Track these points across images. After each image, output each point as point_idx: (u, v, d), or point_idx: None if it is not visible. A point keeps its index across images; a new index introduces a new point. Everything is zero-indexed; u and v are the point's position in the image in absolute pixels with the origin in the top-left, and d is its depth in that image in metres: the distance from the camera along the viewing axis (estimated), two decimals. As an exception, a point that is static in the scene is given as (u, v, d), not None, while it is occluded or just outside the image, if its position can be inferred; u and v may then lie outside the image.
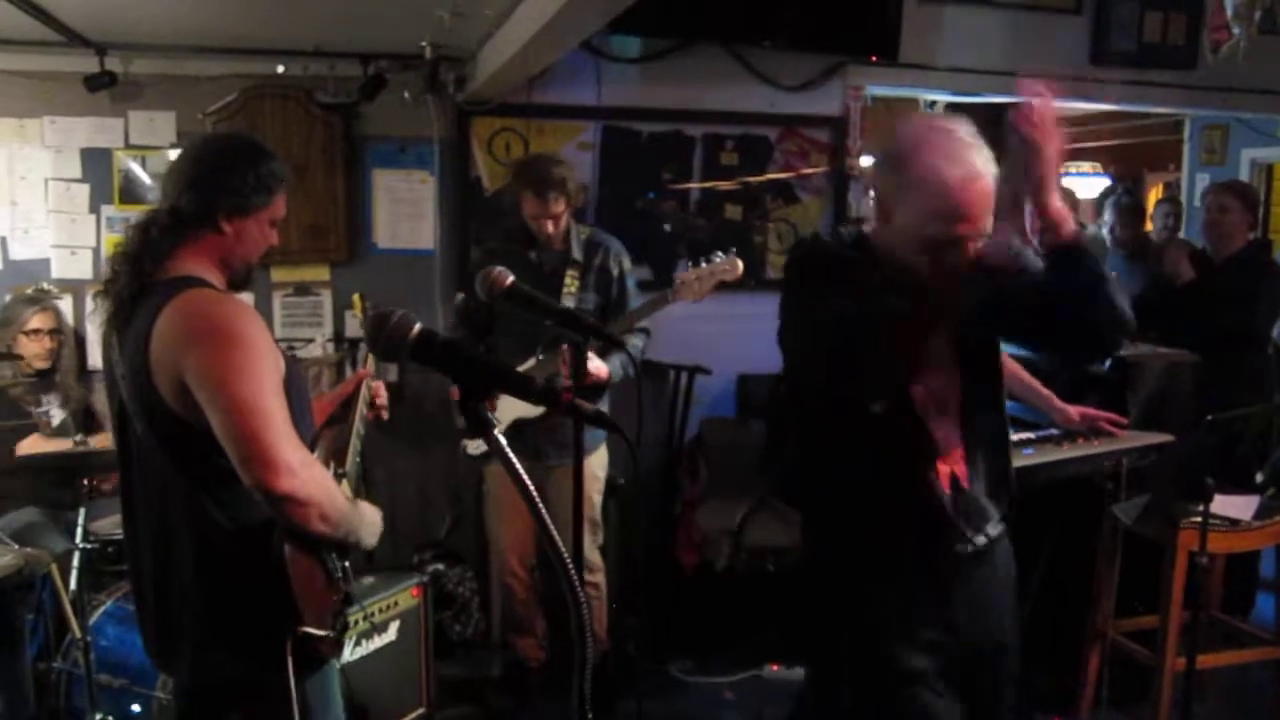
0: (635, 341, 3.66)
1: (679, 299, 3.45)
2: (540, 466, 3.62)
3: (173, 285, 1.89)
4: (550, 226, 3.60)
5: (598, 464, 3.77)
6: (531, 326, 3.55)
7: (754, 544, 4.04)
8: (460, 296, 3.90)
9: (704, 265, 3.43)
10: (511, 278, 1.96)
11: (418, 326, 1.27)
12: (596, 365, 3.42)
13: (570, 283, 3.64)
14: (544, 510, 1.19)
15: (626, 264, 3.78)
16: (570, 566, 1.17)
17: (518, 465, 1.21)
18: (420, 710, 3.51)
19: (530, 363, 3.57)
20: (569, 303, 3.58)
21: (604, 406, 3.67)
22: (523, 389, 1.24)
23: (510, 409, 3.46)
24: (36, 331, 3.83)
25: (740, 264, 3.45)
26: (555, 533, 1.18)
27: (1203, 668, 3.26)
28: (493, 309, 3.71)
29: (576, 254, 3.68)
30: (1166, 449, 3.26)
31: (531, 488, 1.19)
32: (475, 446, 3.76)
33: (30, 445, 3.67)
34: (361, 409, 2.42)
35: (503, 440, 1.21)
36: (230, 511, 1.88)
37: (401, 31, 3.98)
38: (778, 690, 3.91)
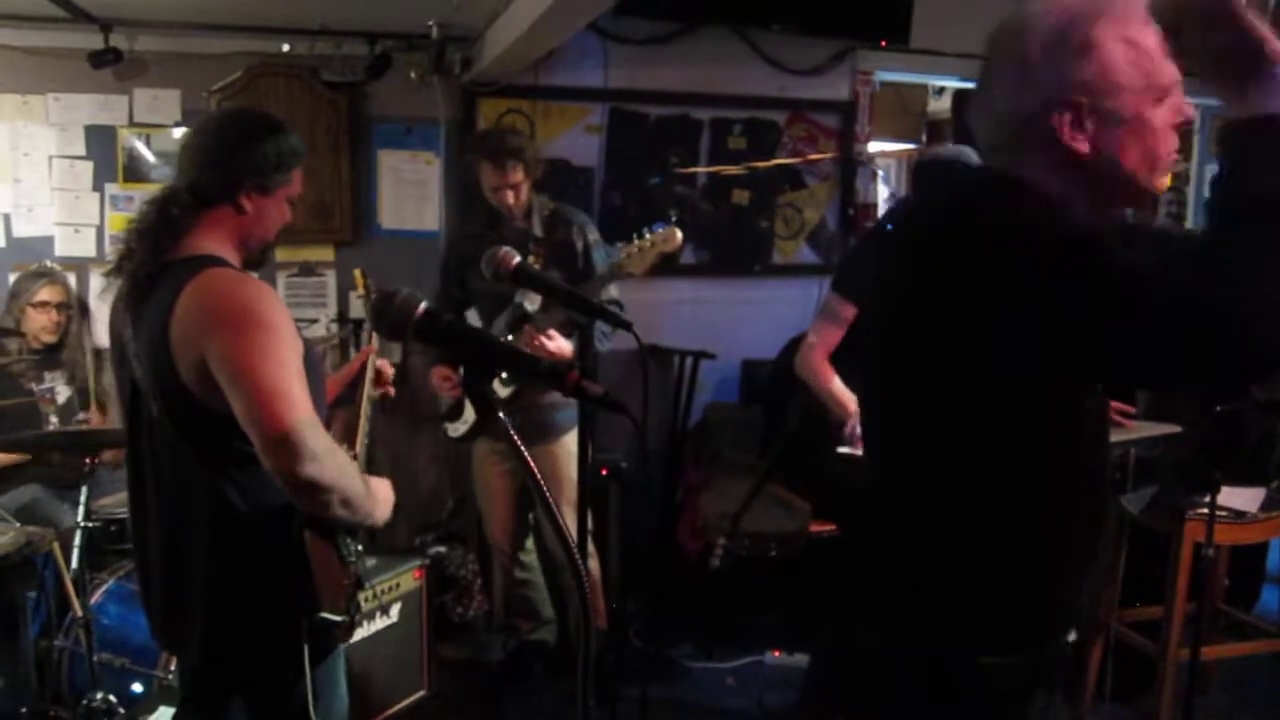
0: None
1: (626, 272, 3.24)
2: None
3: (191, 264, 1.85)
4: (510, 197, 3.51)
5: (576, 444, 3.70)
6: (495, 310, 3.53)
7: (756, 530, 4.03)
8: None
9: (645, 237, 3.22)
10: (518, 258, 1.94)
11: (423, 305, 1.25)
12: (561, 344, 3.34)
13: (532, 262, 3.55)
14: (545, 487, 1.18)
15: (592, 236, 3.68)
16: (574, 546, 1.16)
17: (519, 443, 1.19)
18: (421, 693, 3.50)
19: None
20: None
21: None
22: (528, 369, 1.22)
23: None
24: (45, 304, 3.82)
25: (678, 233, 3.19)
26: (557, 509, 1.16)
27: (1206, 660, 3.25)
28: (465, 296, 3.71)
29: (538, 230, 3.61)
30: (1174, 440, 3.24)
31: (533, 464, 1.17)
32: (454, 430, 3.74)
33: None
34: (368, 390, 2.41)
35: (508, 420, 1.19)
36: (247, 495, 1.85)
37: (408, 11, 3.96)
38: (779, 676, 3.91)
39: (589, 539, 3.72)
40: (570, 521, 3.57)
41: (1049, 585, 1.42)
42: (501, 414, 1.18)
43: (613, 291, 3.53)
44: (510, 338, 3.50)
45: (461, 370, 3.39)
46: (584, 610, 1.15)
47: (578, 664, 1.20)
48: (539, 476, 1.17)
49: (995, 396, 1.32)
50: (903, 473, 1.46)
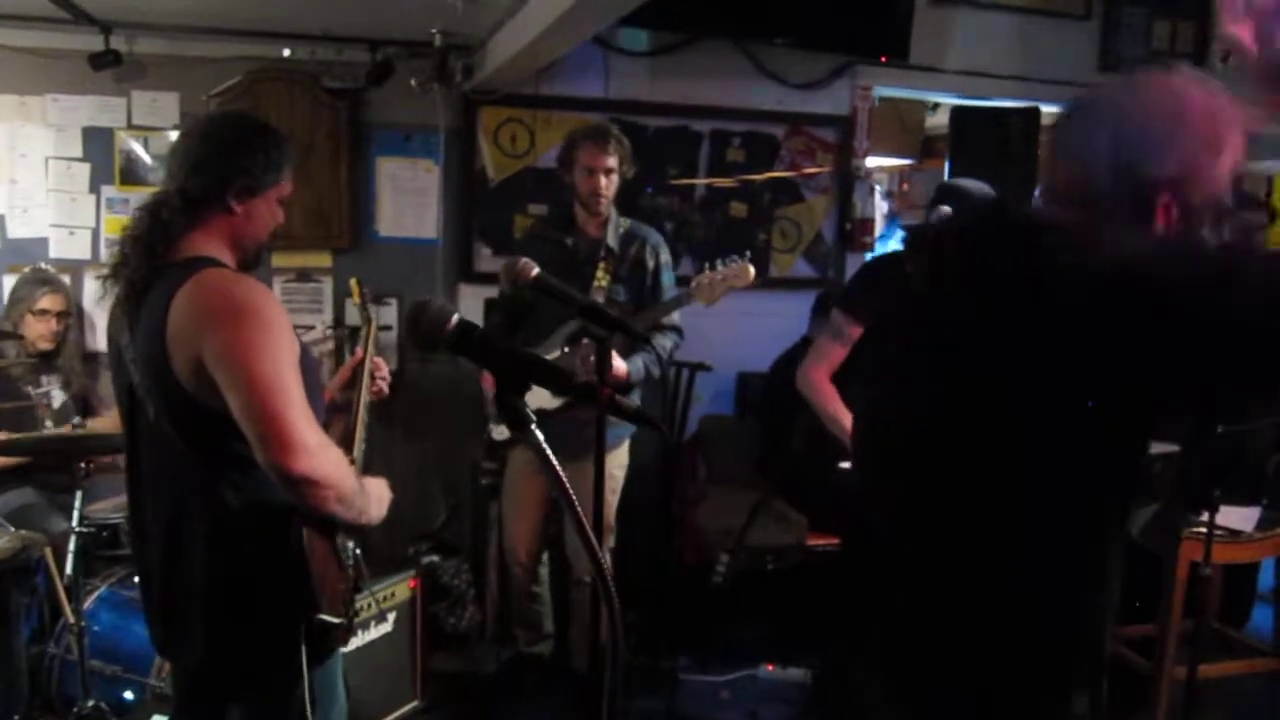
0: (664, 341, 3.58)
1: (694, 301, 3.37)
2: (558, 459, 3.55)
3: (186, 266, 1.85)
4: (602, 181, 3.46)
5: (615, 463, 3.65)
6: (559, 320, 3.50)
7: (752, 544, 4.02)
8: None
9: (718, 269, 3.34)
10: (536, 269, 1.93)
11: (456, 317, 1.24)
12: (617, 364, 3.35)
13: (602, 274, 3.54)
14: (579, 507, 1.17)
15: (664, 257, 3.66)
16: (604, 563, 1.15)
17: (554, 461, 1.19)
18: (414, 703, 3.48)
19: (555, 355, 3.49)
20: (598, 294, 3.51)
21: None
22: (561, 383, 1.22)
23: (532, 399, 3.40)
24: (45, 312, 3.79)
25: (751, 270, 3.35)
26: (590, 530, 1.15)
27: (1200, 678, 3.26)
28: (525, 300, 3.68)
29: (612, 243, 3.57)
30: (1172, 460, 3.26)
31: (567, 483, 1.17)
32: (500, 432, 3.70)
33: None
34: (365, 397, 2.39)
35: (540, 435, 1.18)
36: (246, 496, 1.85)
37: (411, 18, 3.95)
38: (773, 690, 3.91)
39: (608, 556, 3.73)
40: (606, 540, 3.58)
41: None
42: (534, 428, 1.18)
43: (674, 318, 3.57)
44: (565, 350, 3.47)
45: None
46: (613, 630, 1.14)
47: (605, 684, 1.19)
48: (570, 492, 1.16)
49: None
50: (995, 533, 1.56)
